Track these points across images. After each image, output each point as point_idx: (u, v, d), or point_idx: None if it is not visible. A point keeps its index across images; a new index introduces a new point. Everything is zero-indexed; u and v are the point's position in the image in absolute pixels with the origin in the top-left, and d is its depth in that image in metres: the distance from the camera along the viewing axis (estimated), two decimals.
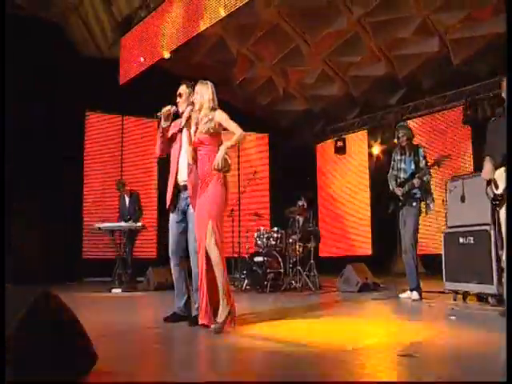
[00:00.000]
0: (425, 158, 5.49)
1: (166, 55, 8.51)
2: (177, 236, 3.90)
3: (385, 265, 9.69)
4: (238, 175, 10.87)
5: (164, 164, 10.06)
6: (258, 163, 10.81)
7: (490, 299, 4.55)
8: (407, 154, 5.55)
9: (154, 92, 9.61)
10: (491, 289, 4.51)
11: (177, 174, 3.85)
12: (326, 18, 8.80)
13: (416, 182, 5.32)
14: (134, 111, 10.16)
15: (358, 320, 3.99)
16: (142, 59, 8.82)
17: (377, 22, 8.70)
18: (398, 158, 5.66)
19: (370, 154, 10.53)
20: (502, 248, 4.54)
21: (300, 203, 7.28)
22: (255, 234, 7.02)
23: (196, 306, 3.77)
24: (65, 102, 9.04)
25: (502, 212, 3.94)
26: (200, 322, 3.44)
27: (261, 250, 6.73)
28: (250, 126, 11.13)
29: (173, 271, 3.95)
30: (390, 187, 5.76)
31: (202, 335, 3.26)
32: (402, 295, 5.36)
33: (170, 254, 3.92)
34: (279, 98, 10.87)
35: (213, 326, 3.28)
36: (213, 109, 3.56)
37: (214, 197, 3.44)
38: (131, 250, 7.63)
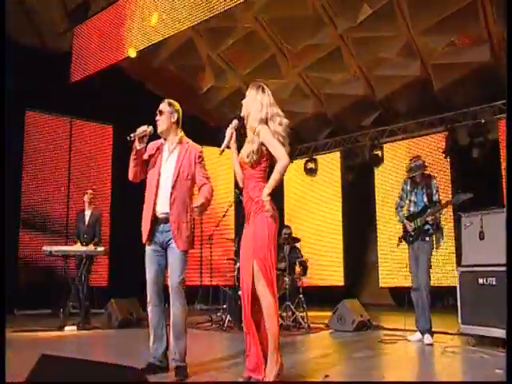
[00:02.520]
0: (438, 191, 5.49)
1: (132, 53, 7.95)
2: (156, 273, 3.57)
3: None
4: None
5: (120, 178, 9.42)
6: (223, 182, 10.46)
7: None
8: (419, 186, 5.52)
9: (108, 94, 9.00)
10: None
11: (155, 204, 3.56)
12: (307, 29, 8.73)
13: (430, 218, 5.29)
14: (84, 114, 9.38)
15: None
16: None
17: (360, 38, 8.77)
18: (409, 189, 5.61)
19: (344, 178, 10.55)
20: None
21: (286, 231, 7.07)
22: (238, 264, 6.66)
23: (174, 356, 3.48)
24: None
25: None
26: (247, 373, 3.08)
27: None
28: (214, 140, 10.80)
29: (151, 314, 3.59)
30: (398, 218, 5.71)
31: None
32: (412, 338, 5.24)
33: (149, 294, 3.57)
34: None
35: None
36: (262, 121, 3.20)
37: (261, 232, 3.09)
38: (88, 279, 6.90)
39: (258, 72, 9.59)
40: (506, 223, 3.82)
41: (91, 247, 6.81)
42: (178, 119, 3.77)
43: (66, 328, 6.43)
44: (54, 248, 6.87)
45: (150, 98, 9.89)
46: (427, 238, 5.33)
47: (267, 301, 3.01)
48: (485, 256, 4.96)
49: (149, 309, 3.58)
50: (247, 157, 3.17)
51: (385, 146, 10.00)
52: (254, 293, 3.06)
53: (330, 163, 10.88)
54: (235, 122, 3.34)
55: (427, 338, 5.04)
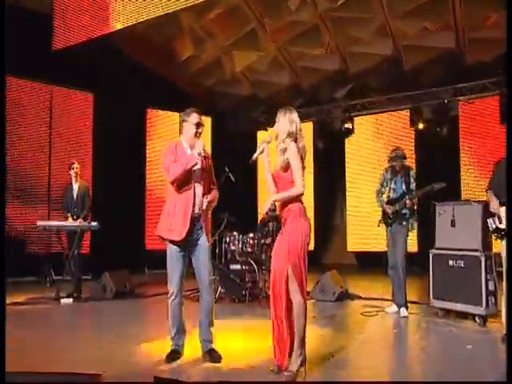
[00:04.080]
0: (415, 180, 5.96)
1: (118, 26, 7.73)
2: (183, 271, 3.84)
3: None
4: None
5: (101, 146, 9.27)
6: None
7: (477, 319, 5.22)
8: (399, 175, 5.95)
9: (88, 61, 8.71)
10: (480, 310, 5.14)
11: (193, 206, 3.78)
12: (288, 6, 8.75)
13: (408, 202, 5.76)
14: (65, 81, 9.05)
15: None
16: None
17: (338, 17, 8.92)
18: (389, 177, 6.03)
19: (316, 147, 10.91)
20: (492, 272, 5.26)
21: (271, 208, 7.38)
22: (226, 239, 6.98)
23: (208, 339, 3.84)
24: None
25: (503, 243, 4.55)
26: (277, 362, 3.42)
27: (237, 258, 6.73)
28: (190, 107, 10.76)
29: (175, 309, 3.85)
30: (378, 203, 6.16)
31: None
32: (389, 310, 5.83)
33: (175, 291, 3.82)
34: (224, 81, 10.62)
35: (286, 374, 3.32)
36: (289, 136, 3.48)
37: (295, 239, 3.38)
38: (80, 252, 6.94)
39: (239, 44, 9.60)
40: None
41: (84, 222, 6.85)
42: None
43: (62, 301, 6.56)
44: (49, 223, 6.93)
45: (131, 65, 9.73)
46: (404, 222, 5.82)
47: (298, 301, 3.34)
48: (455, 241, 5.51)
49: (174, 302, 3.81)
50: (280, 168, 3.48)
51: (355, 118, 10.41)
52: (287, 294, 3.39)
53: (303, 132, 11.12)
54: (268, 139, 3.60)
55: (403, 311, 5.64)
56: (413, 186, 5.90)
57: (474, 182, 9.35)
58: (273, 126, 10.92)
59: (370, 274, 8.99)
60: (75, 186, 7.20)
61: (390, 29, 8.90)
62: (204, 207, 3.79)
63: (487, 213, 5.45)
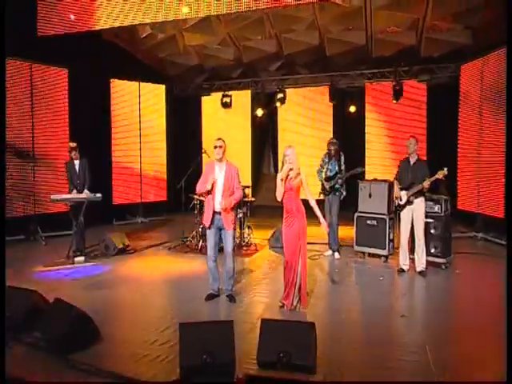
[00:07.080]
0: (344, 163, 8.18)
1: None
2: (215, 244, 5.74)
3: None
4: (140, 129, 11.70)
5: (76, 122, 10.09)
6: (156, 114, 11.84)
7: (382, 258, 7.84)
8: (334, 158, 8.12)
9: (63, 39, 9.17)
10: (384, 252, 7.77)
11: (214, 203, 5.61)
12: None
13: (340, 181, 8.04)
14: (43, 59, 9.50)
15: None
16: (72, 17, 8.45)
17: (279, 14, 10.41)
18: (326, 160, 8.18)
19: (254, 115, 12.65)
20: (392, 228, 7.83)
21: None
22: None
23: (227, 288, 5.87)
24: None
25: (402, 213, 7.06)
26: (284, 300, 5.49)
27: None
28: (147, 76, 11.71)
29: (211, 265, 5.76)
30: (318, 178, 8.33)
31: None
32: (327, 253, 8.21)
33: (212, 254, 5.70)
34: (176, 53, 11.69)
35: (290, 307, 5.44)
36: (299, 168, 5.38)
37: (304, 227, 5.39)
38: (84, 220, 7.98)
39: (194, 28, 10.69)
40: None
41: (91, 194, 7.93)
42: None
43: (76, 259, 7.72)
44: (62, 196, 8.00)
45: (101, 42, 10.36)
46: (337, 193, 8.11)
47: (302, 263, 5.39)
48: (371, 208, 7.95)
49: (211, 261, 5.69)
50: (296, 184, 5.35)
51: (286, 90, 12.24)
52: (297, 259, 5.41)
53: (243, 99, 12.72)
54: (291, 166, 5.37)
55: (336, 255, 8.08)
56: (343, 167, 8.11)
57: (375, 147, 11.90)
58: (214, 91, 12.43)
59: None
60: (76, 162, 8.13)
61: (318, 26, 10.61)
62: (223, 206, 5.55)
63: (392, 190, 7.99)
